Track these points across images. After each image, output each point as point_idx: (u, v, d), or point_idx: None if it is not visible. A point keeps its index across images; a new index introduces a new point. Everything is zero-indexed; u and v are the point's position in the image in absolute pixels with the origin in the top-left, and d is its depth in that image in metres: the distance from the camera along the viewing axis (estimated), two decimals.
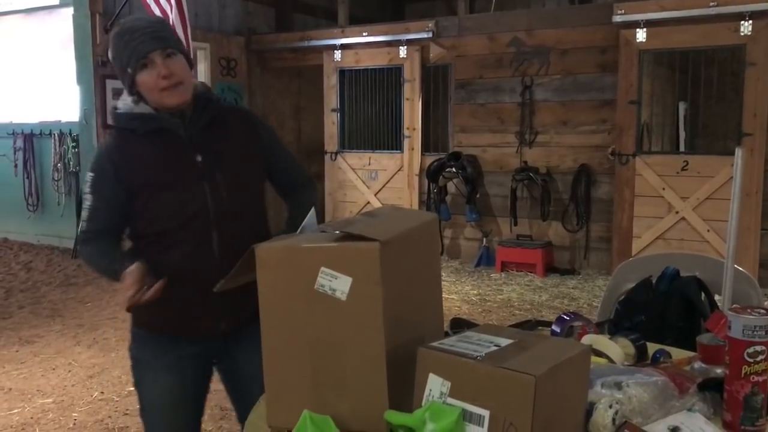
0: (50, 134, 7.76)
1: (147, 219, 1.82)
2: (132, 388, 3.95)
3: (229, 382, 2.11)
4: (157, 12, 6.33)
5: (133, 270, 1.69)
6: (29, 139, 7.99)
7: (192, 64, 1.88)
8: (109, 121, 1.90)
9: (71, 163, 7.57)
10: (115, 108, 1.87)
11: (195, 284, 1.78)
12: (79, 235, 1.90)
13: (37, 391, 3.96)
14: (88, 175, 1.84)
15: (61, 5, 7.57)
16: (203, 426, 3.50)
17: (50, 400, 3.83)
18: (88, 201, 1.84)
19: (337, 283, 1.27)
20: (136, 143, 1.82)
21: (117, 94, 7.13)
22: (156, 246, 1.83)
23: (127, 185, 1.80)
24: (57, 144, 7.67)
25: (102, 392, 3.93)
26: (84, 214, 1.86)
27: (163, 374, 1.94)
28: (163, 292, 1.73)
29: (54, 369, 4.31)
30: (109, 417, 3.60)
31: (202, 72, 8.34)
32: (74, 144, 7.50)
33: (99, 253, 1.87)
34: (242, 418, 2.01)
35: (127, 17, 1.87)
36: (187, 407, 2.02)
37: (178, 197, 1.80)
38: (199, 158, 1.82)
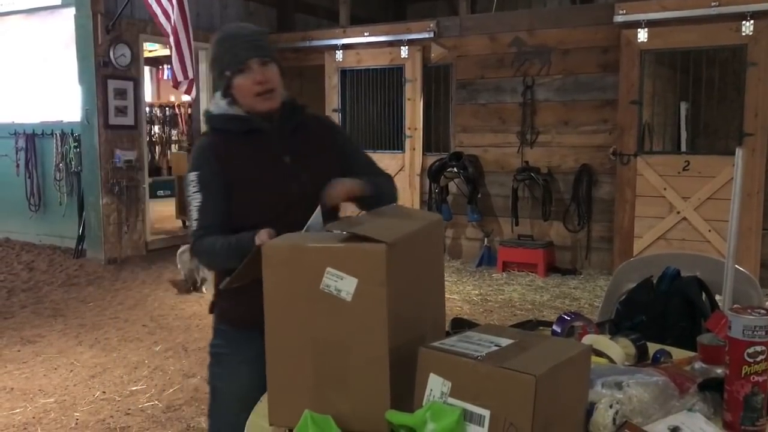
0: (52, 134, 7.77)
1: (240, 214, 1.89)
2: (134, 388, 3.97)
3: None
4: (159, 12, 6.34)
5: (266, 229, 1.72)
6: (31, 139, 8.01)
7: (284, 73, 1.99)
8: (206, 122, 2.01)
9: (73, 163, 7.58)
10: (208, 111, 1.99)
11: None
12: (192, 234, 1.92)
13: (39, 390, 3.96)
14: (192, 175, 1.90)
15: (63, 5, 7.59)
16: (204, 426, 3.52)
17: (52, 399, 3.83)
18: (196, 200, 1.89)
19: (343, 284, 1.27)
20: (233, 142, 1.92)
21: (119, 94, 7.21)
22: None
23: (229, 180, 1.89)
24: (59, 144, 7.69)
25: (104, 392, 3.93)
26: (193, 213, 1.90)
27: (244, 369, 1.95)
28: (251, 288, 1.74)
29: (56, 369, 4.32)
30: (111, 417, 3.61)
31: (204, 72, 8.35)
32: (76, 144, 7.51)
33: (220, 239, 1.86)
34: None
35: (230, 24, 1.98)
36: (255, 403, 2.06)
37: (268, 195, 1.90)
38: (287, 159, 1.94)
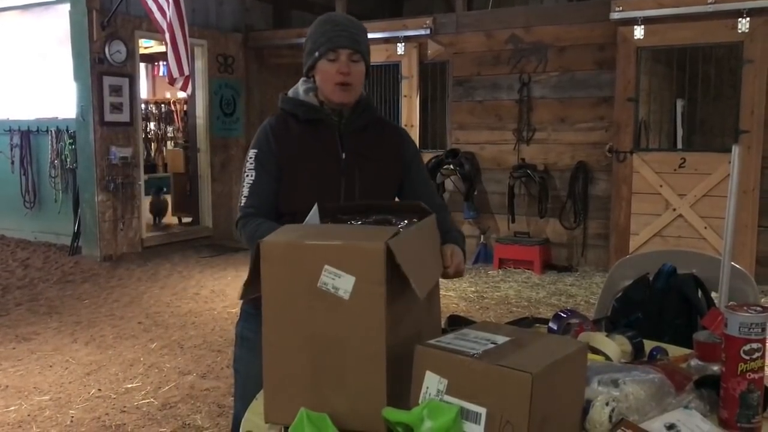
0: (47, 131, 7.74)
1: (286, 198, 1.92)
2: (129, 385, 3.97)
3: None
4: (154, 8, 6.32)
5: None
6: (26, 135, 7.98)
7: (369, 75, 2.00)
8: (280, 102, 2.04)
9: (68, 159, 7.56)
10: (285, 93, 2.02)
11: None
12: (239, 210, 1.93)
13: (34, 388, 3.95)
14: (251, 152, 1.95)
15: (58, 1, 7.55)
16: (200, 423, 3.52)
17: (47, 397, 3.82)
18: (250, 176, 1.92)
19: (341, 282, 1.26)
20: (297, 129, 1.95)
21: (115, 90, 7.19)
22: None
23: (282, 163, 1.92)
24: (54, 141, 7.66)
25: (99, 389, 3.93)
26: (245, 190, 1.93)
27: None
28: None
29: (51, 366, 4.31)
30: (107, 414, 3.60)
31: (200, 69, 8.33)
32: (71, 141, 7.49)
33: (264, 225, 1.85)
34: None
35: (338, 12, 1.98)
36: None
37: (316, 184, 1.90)
38: (344, 155, 1.94)
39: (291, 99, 2.00)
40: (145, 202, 8.09)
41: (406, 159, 2.05)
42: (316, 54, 1.91)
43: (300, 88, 2.01)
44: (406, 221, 1.50)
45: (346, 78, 1.89)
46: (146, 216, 8.17)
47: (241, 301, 2.05)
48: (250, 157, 1.96)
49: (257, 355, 1.97)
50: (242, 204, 1.93)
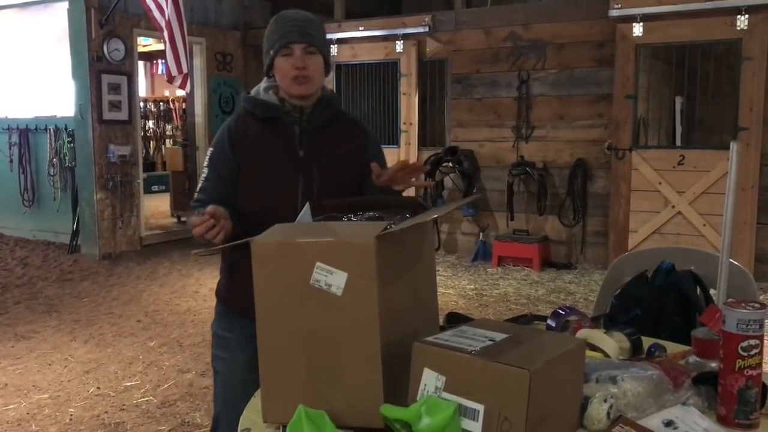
0: (46, 129, 7.74)
1: (244, 197, 1.95)
2: (128, 383, 3.97)
3: None
4: (153, 6, 6.31)
5: (211, 207, 1.77)
6: (25, 134, 7.97)
7: (330, 69, 2.04)
8: (241, 102, 2.09)
9: (67, 158, 7.55)
10: (247, 92, 2.06)
11: None
12: (191, 204, 2.01)
13: (33, 386, 3.95)
14: (209, 150, 2.02)
15: (56, 0, 7.54)
16: (199, 421, 3.52)
17: (46, 395, 3.82)
18: (203, 174, 2.00)
19: (333, 278, 1.26)
20: (255, 127, 1.98)
21: (113, 88, 7.18)
22: (246, 226, 1.86)
23: (237, 159, 1.95)
24: (53, 139, 7.65)
25: (98, 387, 3.93)
26: (199, 184, 2.02)
27: (238, 351, 2.00)
28: (243, 269, 1.76)
29: (50, 364, 4.31)
30: (106, 412, 3.60)
31: (198, 67, 8.32)
32: (70, 139, 7.48)
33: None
34: None
35: (290, 10, 2.01)
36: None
37: (273, 182, 1.93)
38: (301, 153, 1.96)
39: (251, 98, 2.02)
40: (144, 200, 8.08)
41: (369, 156, 2.02)
42: (271, 52, 1.94)
43: (261, 86, 2.03)
44: (398, 216, 1.50)
45: (301, 72, 1.91)
46: (144, 215, 8.15)
47: (216, 302, 2.13)
48: (207, 155, 2.02)
49: (233, 353, 2.03)
50: (193, 199, 2.01)
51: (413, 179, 1.93)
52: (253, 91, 2.05)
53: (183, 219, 9.03)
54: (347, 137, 2.04)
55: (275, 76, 1.98)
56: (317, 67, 1.95)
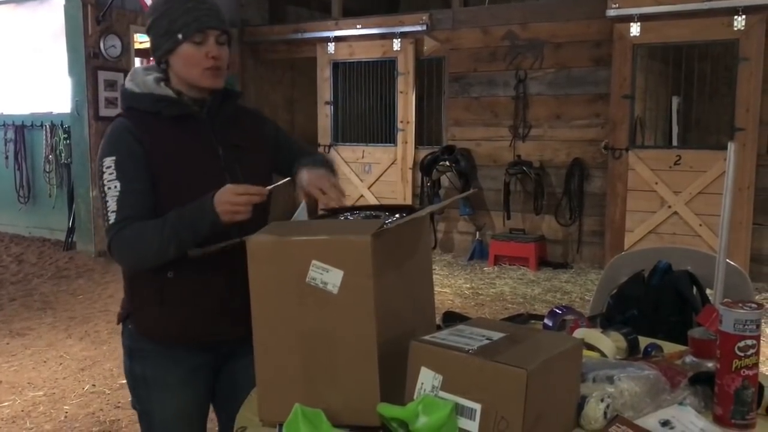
0: (42, 126, 7.72)
1: (167, 204, 1.65)
2: (124, 381, 3.95)
3: (222, 389, 1.89)
4: (149, 2, 6.28)
5: (230, 186, 1.57)
6: (20, 130, 7.95)
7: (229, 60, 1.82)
8: (124, 101, 1.78)
9: (63, 154, 7.53)
10: (127, 89, 1.75)
11: (215, 282, 1.69)
12: (109, 229, 1.64)
13: (28, 383, 3.94)
14: (108, 160, 1.65)
15: None
16: None
17: (41, 392, 3.81)
18: (113, 187, 1.63)
19: (329, 276, 1.26)
20: (162, 127, 1.69)
21: (110, 85, 7.16)
22: None
23: (154, 169, 1.66)
24: (48, 135, 7.64)
25: (93, 385, 3.92)
26: (110, 204, 1.63)
27: (179, 389, 1.79)
28: (181, 291, 1.67)
29: (45, 362, 4.30)
30: (101, 410, 3.59)
31: None
32: (66, 136, 7.46)
33: (149, 223, 1.63)
34: (224, 429, 1.92)
35: None
36: (201, 420, 1.88)
37: (200, 188, 1.64)
38: (221, 150, 1.75)
39: (145, 95, 1.71)
40: None
41: (271, 136, 1.91)
42: (180, 36, 1.65)
43: (147, 79, 1.73)
44: (397, 215, 1.49)
45: (216, 62, 1.68)
46: None
47: (130, 339, 1.81)
48: (108, 167, 1.64)
49: (170, 394, 1.75)
50: (112, 221, 1.62)
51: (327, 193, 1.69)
52: (134, 86, 1.73)
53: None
54: (252, 127, 1.87)
55: (173, 63, 1.70)
56: (227, 59, 1.73)
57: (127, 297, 1.80)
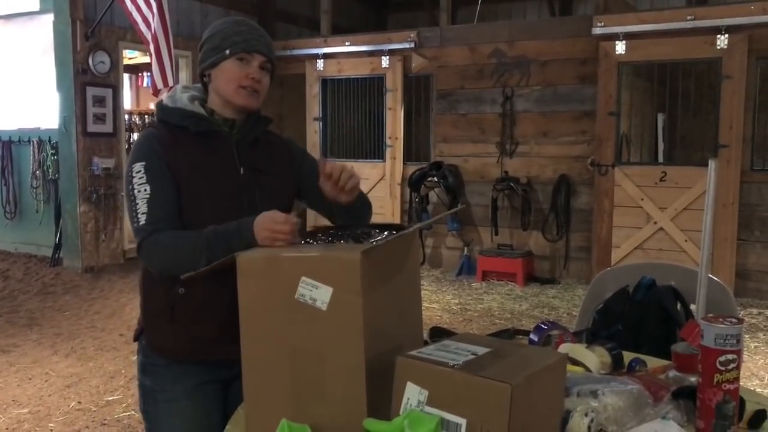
0: (29, 141, 7.68)
1: (186, 220, 1.70)
2: (110, 398, 3.93)
3: (232, 406, 1.84)
4: (139, 20, 6.30)
5: (276, 213, 1.54)
6: (7, 146, 7.90)
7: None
8: (157, 114, 1.82)
9: (50, 170, 7.49)
10: (163, 102, 1.82)
11: (224, 299, 1.62)
12: (139, 230, 1.66)
13: (13, 401, 3.90)
14: (138, 165, 1.69)
15: (42, 11, 7.51)
16: None
17: (26, 410, 3.78)
18: (143, 190, 1.67)
19: (318, 293, 1.27)
20: (188, 142, 1.74)
21: (98, 101, 7.15)
22: None
23: (175, 177, 1.70)
24: (36, 151, 7.59)
25: (79, 402, 3.88)
26: (141, 206, 1.66)
27: (189, 405, 1.79)
28: (192, 308, 1.70)
29: (30, 379, 4.26)
30: (86, 427, 3.56)
31: (185, 80, 8.31)
32: (53, 151, 7.42)
33: (186, 234, 1.65)
34: None
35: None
36: None
37: (217, 204, 1.71)
38: (242, 171, 1.77)
39: (177, 109, 1.78)
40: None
41: (297, 162, 1.92)
42: (227, 52, 1.73)
43: (182, 96, 1.80)
44: (386, 233, 1.51)
45: (254, 85, 1.75)
46: (128, 228, 8.10)
47: (143, 354, 1.84)
48: (138, 171, 1.69)
49: (177, 408, 1.76)
50: (143, 222, 1.66)
51: (344, 184, 1.68)
52: (169, 101, 1.80)
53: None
54: (276, 153, 1.88)
55: (214, 78, 1.78)
56: (267, 87, 1.81)
57: (142, 313, 1.85)
